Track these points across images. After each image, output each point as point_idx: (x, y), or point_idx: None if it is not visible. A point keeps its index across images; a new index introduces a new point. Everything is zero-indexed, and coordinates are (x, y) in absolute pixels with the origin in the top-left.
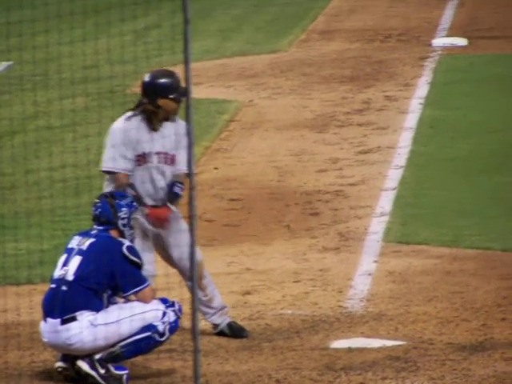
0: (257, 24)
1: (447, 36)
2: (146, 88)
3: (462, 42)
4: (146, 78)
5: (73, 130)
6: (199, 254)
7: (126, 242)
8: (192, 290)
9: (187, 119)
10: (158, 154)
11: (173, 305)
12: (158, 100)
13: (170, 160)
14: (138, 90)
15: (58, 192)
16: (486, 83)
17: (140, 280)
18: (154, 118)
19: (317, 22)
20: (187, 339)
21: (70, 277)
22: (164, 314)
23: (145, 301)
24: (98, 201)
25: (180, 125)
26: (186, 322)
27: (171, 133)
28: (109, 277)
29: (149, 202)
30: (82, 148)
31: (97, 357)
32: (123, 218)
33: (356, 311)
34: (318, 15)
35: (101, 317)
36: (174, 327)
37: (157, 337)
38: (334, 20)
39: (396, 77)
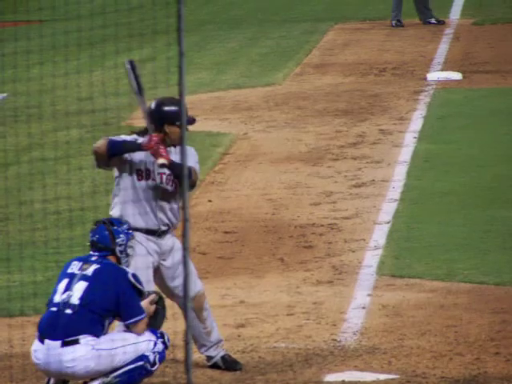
0: (252, 57)
1: (442, 70)
2: (152, 115)
3: (456, 76)
4: (153, 105)
5: (67, 162)
6: (201, 285)
7: (130, 270)
8: (186, 322)
9: (181, 152)
10: (160, 174)
11: (162, 336)
12: (165, 127)
13: (173, 181)
14: (132, 121)
15: (51, 224)
16: (481, 117)
17: (139, 311)
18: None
19: (311, 55)
20: (180, 372)
21: (76, 301)
22: (155, 344)
23: (137, 332)
24: (95, 227)
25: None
26: (179, 355)
27: (176, 158)
28: (114, 304)
29: (145, 224)
30: (75, 180)
31: None
32: (121, 245)
33: (349, 345)
34: (313, 49)
35: (103, 342)
36: (162, 357)
37: (148, 366)
38: (329, 54)
39: (390, 111)
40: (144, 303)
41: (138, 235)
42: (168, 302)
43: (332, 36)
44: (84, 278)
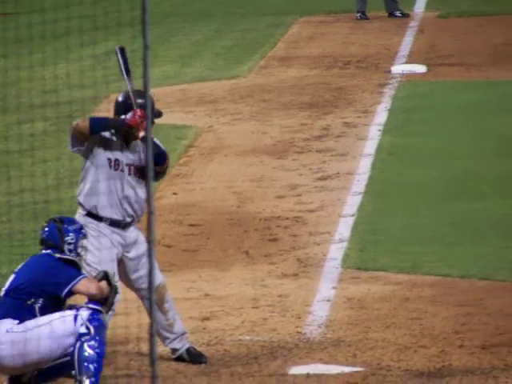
0: (217, 50)
1: (406, 63)
2: (119, 107)
3: (421, 69)
4: (120, 97)
5: (31, 154)
6: (161, 277)
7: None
8: (150, 315)
9: (146, 145)
10: (128, 165)
11: (77, 308)
12: None
13: (140, 172)
14: (97, 114)
15: (15, 217)
16: (445, 110)
17: (72, 275)
18: (127, 136)
19: (276, 48)
20: (145, 364)
21: (2, 293)
22: (75, 316)
23: (90, 292)
24: (46, 224)
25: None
26: (144, 348)
27: (141, 150)
28: (41, 285)
29: (111, 214)
30: (40, 173)
31: None
32: (70, 243)
33: (314, 337)
34: (278, 42)
35: (19, 325)
36: (96, 321)
37: (87, 339)
38: (294, 47)
39: (355, 103)
40: (101, 284)
41: (103, 227)
42: (133, 295)
43: (297, 29)
44: (15, 272)
